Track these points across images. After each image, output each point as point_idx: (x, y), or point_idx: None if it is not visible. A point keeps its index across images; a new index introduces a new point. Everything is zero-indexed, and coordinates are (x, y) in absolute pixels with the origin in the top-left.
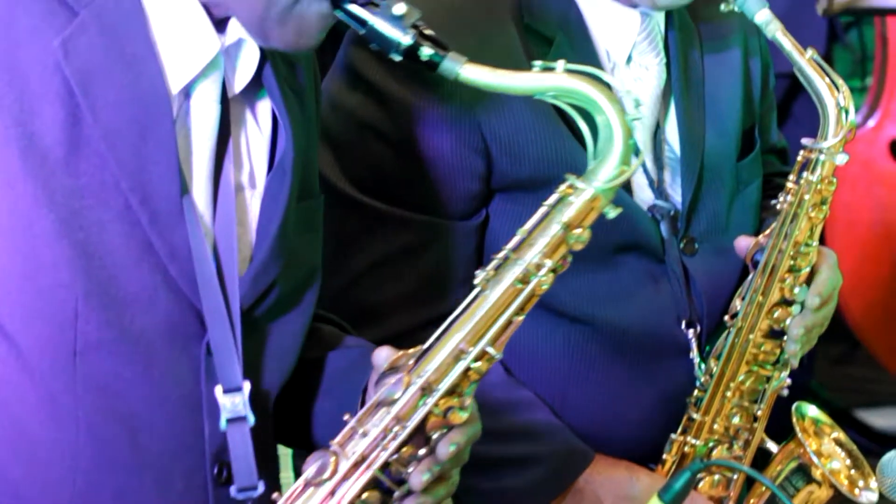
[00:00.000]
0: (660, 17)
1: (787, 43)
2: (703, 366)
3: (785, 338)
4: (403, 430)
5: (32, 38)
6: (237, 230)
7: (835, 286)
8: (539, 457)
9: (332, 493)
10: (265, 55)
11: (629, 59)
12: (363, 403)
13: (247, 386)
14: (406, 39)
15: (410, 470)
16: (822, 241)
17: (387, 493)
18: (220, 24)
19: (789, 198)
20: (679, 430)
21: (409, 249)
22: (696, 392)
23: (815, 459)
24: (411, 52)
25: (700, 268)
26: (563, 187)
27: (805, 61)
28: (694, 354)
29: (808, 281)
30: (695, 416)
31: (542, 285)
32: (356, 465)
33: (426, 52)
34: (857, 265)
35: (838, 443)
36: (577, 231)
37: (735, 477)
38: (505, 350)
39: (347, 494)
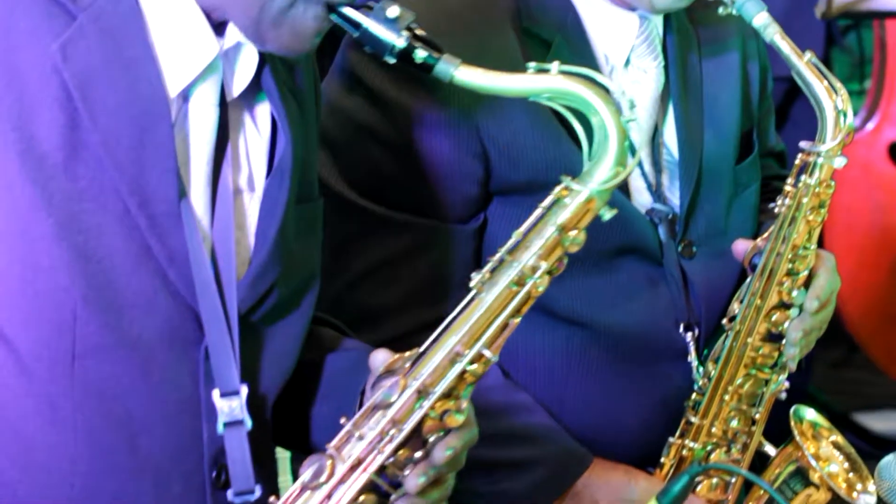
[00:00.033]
0: (658, 21)
1: (785, 46)
2: (701, 369)
3: (783, 341)
4: (399, 433)
5: (31, 42)
6: (236, 234)
7: (833, 289)
8: (537, 460)
9: (329, 496)
10: (264, 58)
11: (627, 63)
12: (361, 406)
13: (244, 390)
14: (400, 42)
15: (407, 473)
16: (820, 244)
17: (383, 497)
18: (219, 28)
19: (787, 201)
20: (677, 434)
21: (407, 253)
22: (694, 395)
23: (813, 463)
24: (405, 54)
25: (698, 271)
26: (558, 189)
27: (803, 64)
28: (692, 358)
29: (807, 284)
30: (693, 419)
31: (538, 287)
32: (353, 468)
33: (420, 54)
34: (856, 268)
35: (836, 446)
36: (573, 233)
37: (733, 480)
38: (503, 353)
39: (344, 498)
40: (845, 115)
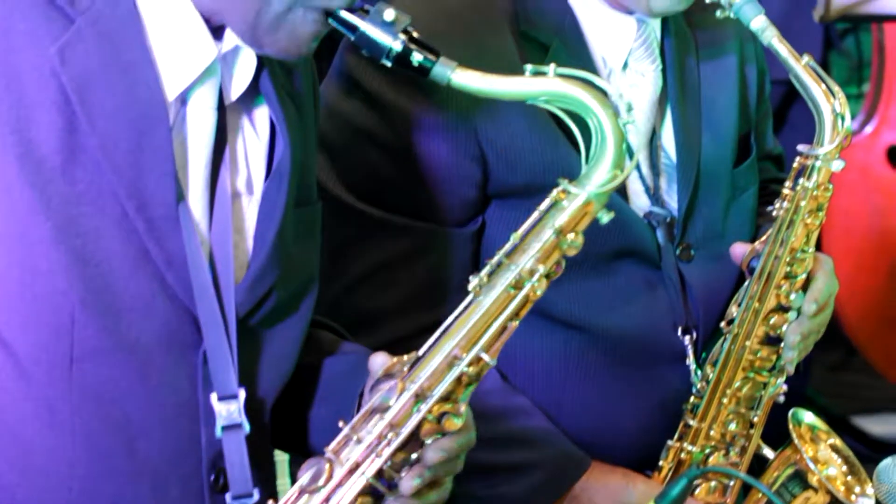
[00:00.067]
0: (656, 24)
1: (783, 49)
2: (699, 372)
3: (781, 344)
4: (397, 436)
5: (29, 45)
6: (234, 237)
7: (831, 292)
8: (535, 463)
9: (327, 499)
10: (262, 62)
11: (625, 66)
12: (360, 409)
13: (242, 393)
14: (396, 45)
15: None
16: (818, 247)
17: (381, 500)
18: (218, 32)
19: (785, 204)
20: (675, 437)
21: (405, 256)
22: (692, 398)
23: (811, 466)
24: (402, 57)
25: (696, 274)
26: (556, 192)
27: (801, 68)
28: (690, 361)
29: (805, 287)
30: (691, 422)
31: (536, 291)
32: (351, 471)
33: (417, 57)
34: (854, 271)
35: (834, 449)
36: (571, 236)
37: (731, 483)
38: (501, 357)
39: (342, 501)
40: (843, 119)
